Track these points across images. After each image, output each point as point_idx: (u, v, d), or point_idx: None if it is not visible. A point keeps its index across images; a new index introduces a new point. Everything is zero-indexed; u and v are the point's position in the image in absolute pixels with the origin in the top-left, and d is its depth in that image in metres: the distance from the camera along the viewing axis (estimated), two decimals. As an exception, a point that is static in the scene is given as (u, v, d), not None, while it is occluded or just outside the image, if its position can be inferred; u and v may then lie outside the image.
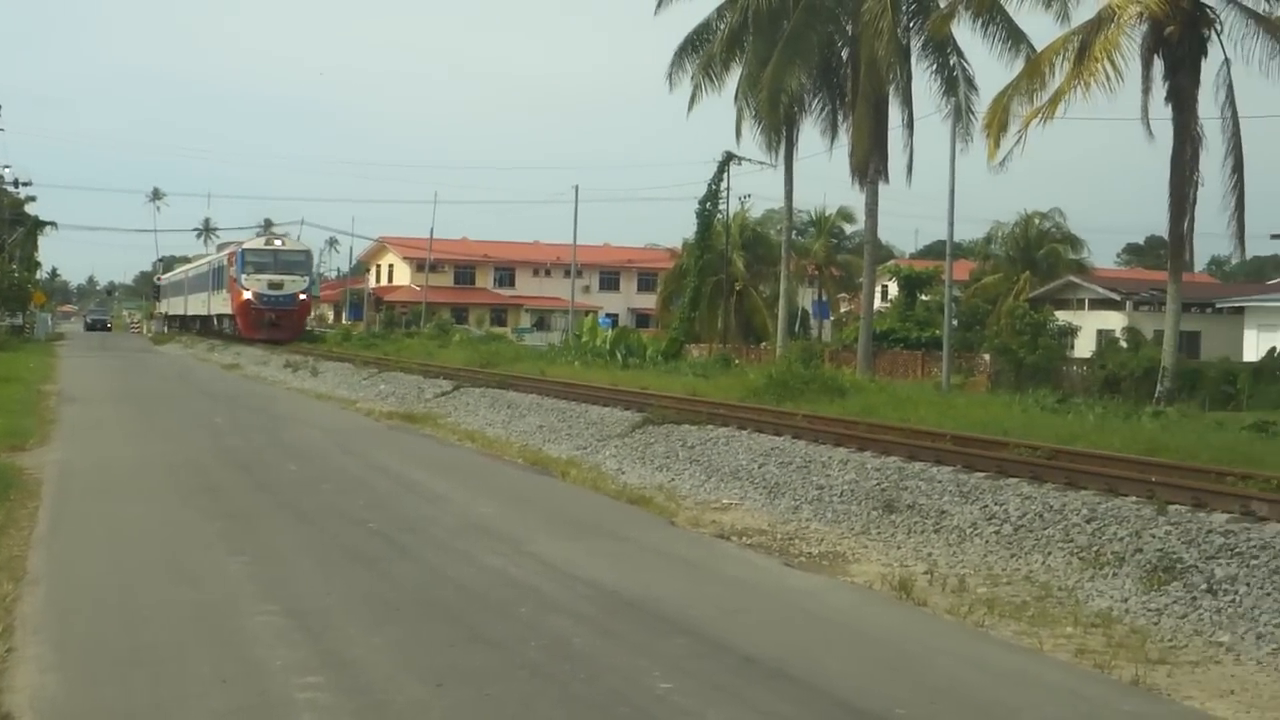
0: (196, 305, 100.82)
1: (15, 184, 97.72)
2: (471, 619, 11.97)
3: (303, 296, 79.81)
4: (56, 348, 79.14)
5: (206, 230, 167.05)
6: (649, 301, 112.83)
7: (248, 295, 76.97)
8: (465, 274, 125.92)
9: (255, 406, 37.25)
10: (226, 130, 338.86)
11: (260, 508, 18.64)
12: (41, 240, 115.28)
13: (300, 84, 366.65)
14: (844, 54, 52.88)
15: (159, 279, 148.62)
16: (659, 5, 55.23)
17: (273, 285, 77.36)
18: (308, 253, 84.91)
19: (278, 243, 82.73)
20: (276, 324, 76.73)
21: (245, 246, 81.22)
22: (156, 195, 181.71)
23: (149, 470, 22.30)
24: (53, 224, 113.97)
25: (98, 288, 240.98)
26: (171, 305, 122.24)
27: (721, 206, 72.60)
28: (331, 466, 23.75)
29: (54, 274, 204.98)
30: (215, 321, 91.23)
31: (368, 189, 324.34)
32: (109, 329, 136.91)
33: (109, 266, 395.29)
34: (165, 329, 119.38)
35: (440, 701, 9.47)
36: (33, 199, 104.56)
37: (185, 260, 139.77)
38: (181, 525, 16.91)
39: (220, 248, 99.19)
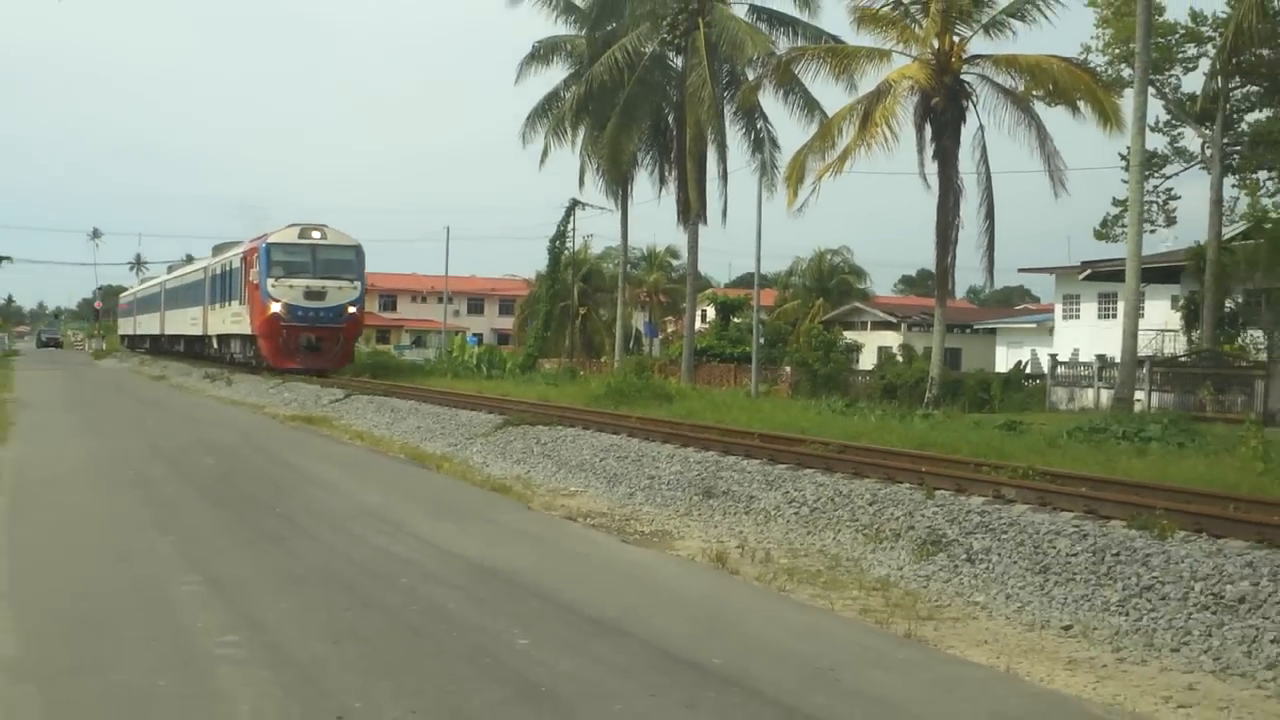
0: (180, 324, 71.24)
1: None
2: (363, 588, 11.93)
3: (352, 310, 50.85)
4: (13, 362, 76.81)
5: (138, 264, 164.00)
6: (508, 323, 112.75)
7: (276, 309, 49.20)
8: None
9: (180, 411, 36.62)
10: (154, 179, 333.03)
11: (185, 495, 18.38)
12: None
13: (210, 139, 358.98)
14: (670, 118, 53.16)
15: (99, 304, 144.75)
16: (518, 77, 55.52)
17: (311, 294, 49.42)
18: (357, 249, 51.55)
19: (316, 235, 50.76)
20: (317, 348, 49.93)
21: (271, 240, 50.88)
22: (96, 234, 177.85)
23: (92, 465, 21.92)
24: (8, 258, 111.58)
25: (47, 311, 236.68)
26: (141, 324, 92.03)
27: (569, 245, 72.89)
28: (244, 461, 23.48)
29: (10, 300, 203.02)
30: (213, 344, 61.70)
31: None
32: (60, 346, 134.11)
33: (56, 293, 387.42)
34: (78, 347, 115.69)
35: (338, 655, 9.46)
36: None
37: (123, 288, 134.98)
38: (118, 510, 16.69)
39: (217, 250, 64.83)
